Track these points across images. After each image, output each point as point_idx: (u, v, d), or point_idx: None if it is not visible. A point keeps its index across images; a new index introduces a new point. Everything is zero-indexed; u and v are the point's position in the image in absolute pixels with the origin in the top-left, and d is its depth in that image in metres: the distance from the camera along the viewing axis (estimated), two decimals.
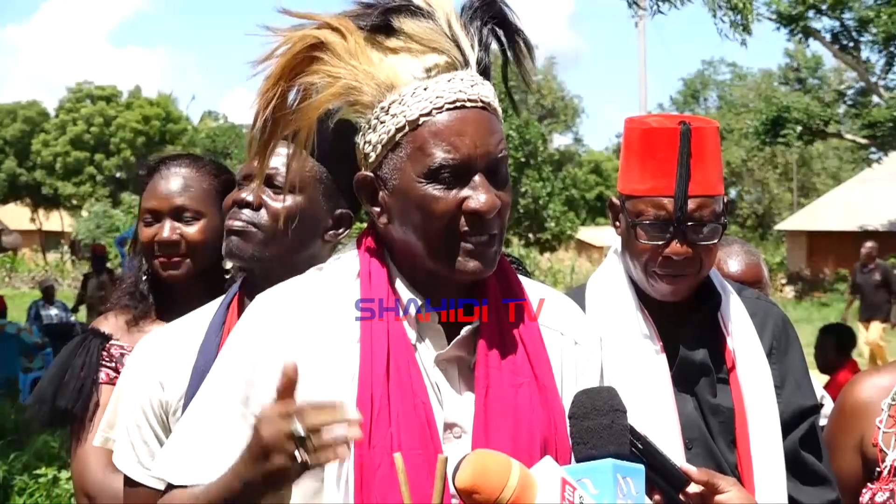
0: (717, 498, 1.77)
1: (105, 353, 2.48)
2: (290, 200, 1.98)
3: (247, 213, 2.03)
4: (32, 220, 43.60)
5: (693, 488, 1.76)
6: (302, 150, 1.68)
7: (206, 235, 2.51)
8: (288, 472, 1.42)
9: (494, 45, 1.69)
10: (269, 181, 2.01)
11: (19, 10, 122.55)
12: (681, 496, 1.75)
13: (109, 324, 2.54)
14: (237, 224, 2.03)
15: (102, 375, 2.45)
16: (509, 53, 1.69)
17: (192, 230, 2.50)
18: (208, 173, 2.55)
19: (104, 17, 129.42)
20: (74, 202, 43.04)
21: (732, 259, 2.98)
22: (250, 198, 2.02)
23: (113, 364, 2.46)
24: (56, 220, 45.14)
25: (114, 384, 2.40)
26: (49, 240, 44.43)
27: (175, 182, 2.52)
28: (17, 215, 44.22)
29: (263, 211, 2.02)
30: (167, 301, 2.55)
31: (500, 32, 1.67)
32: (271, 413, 1.42)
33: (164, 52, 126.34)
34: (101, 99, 42.16)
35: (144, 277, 2.56)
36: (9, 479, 6.50)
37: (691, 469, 1.78)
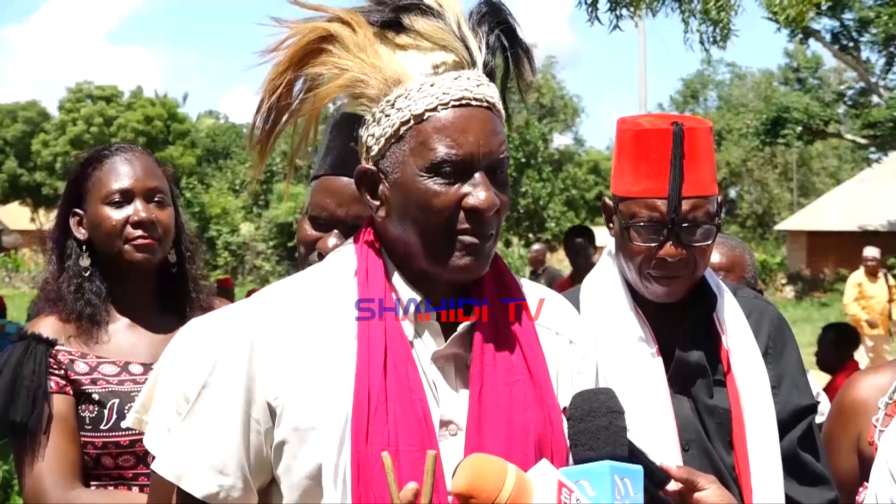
0: (697, 495, 1.77)
1: (52, 360, 2.32)
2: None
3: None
4: (32, 220, 43.51)
5: (673, 486, 1.77)
6: (306, 139, 1.70)
7: (171, 223, 2.45)
8: None
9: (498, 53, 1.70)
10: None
11: (19, 10, 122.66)
12: (661, 493, 1.75)
13: (50, 327, 2.37)
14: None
15: (52, 384, 2.29)
16: (511, 63, 1.70)
17: (165, 215, 2.43)
18: (161, 164, 2.52)
19: (103, 17, 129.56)
20: None
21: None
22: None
23: (62, 371, 2.31)
24: None
25: (65, 393, 2.30)
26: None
27: (142, 166, 2.44)
28: (17, 215, 44.13)
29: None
30: (113, 300, 2.42)
31: (506, 41, 1.69)
32: None
33: (164, 51, 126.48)
34: (101, 99, 42.12)
35: (85, 272, 2.41)
36: (9, 479, 6.48)
37: (671, 467, 1.78)
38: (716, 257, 2.98)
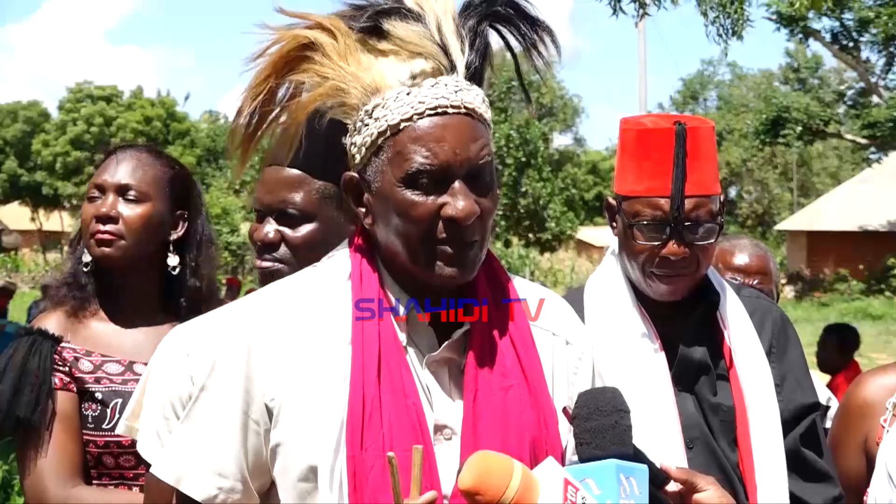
0: (696, 496, 1.77)
1: (57, 357, 2.32)
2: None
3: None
4: (32, 220, 43.59)
5: (672, 487, 1.76)
6: (292, 145, 1.69)
7: (144, 220, 2.42)
8: None
9: (499, 44, 1.68)
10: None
11: (19, 10, 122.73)
12: (661, 494, 1.74)
13: (56, 323, 2.39)
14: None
15: (56, 381, 2.30)
16: (522, 45, 1.68)
17: (132, 211, 2.40)
18: (164, 164, 2.50)
19: (103, 16, 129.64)
20: (74, 202, 43.04)
21: (740, 252, 3.01)
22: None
23: (66, 368, 2.32)
24: (56, 220, 45.13)
25: (69, 390, 2.30)
26: (49, 240, 44.39)
27: (127, 163, 2.45)
28: (17, 215, 44.13)
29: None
30: (109, 292, 2.44)
31: (511, 29, 1.66)
32: None
33: (163, 51, 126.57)
34: (101, 99, 42.16)
35: (85, 267, 2.44)
36: (9, 479, 6.48)
37: (670, 467, 1.78)
38: (753, 261, 3.00)
